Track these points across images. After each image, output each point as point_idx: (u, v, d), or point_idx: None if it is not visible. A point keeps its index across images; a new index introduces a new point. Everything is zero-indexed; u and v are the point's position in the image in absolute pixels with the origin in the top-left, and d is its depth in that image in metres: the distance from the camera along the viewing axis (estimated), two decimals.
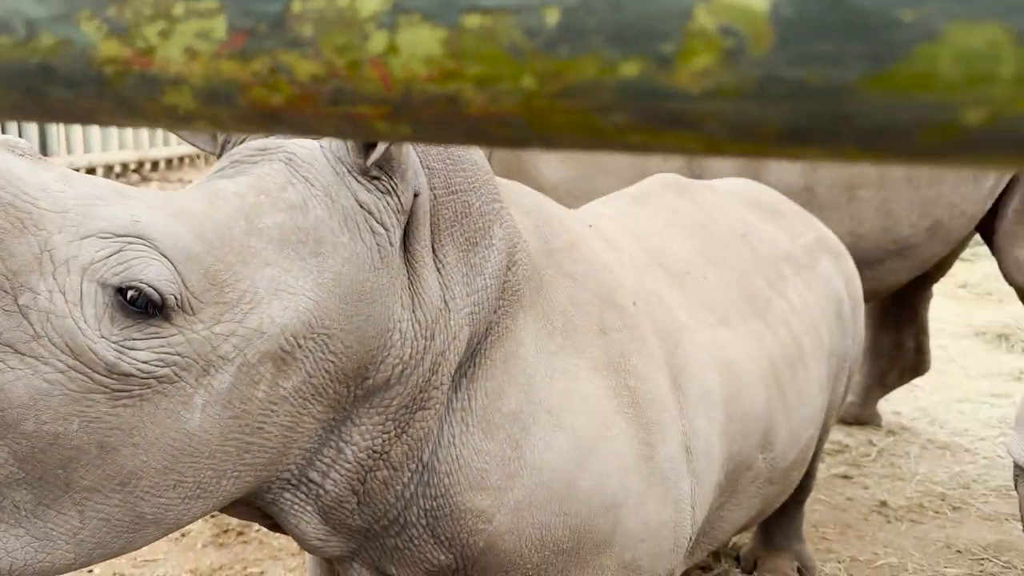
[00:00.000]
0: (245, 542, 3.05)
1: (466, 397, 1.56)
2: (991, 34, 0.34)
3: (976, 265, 7.82)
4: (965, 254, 8.30)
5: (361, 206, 1.39)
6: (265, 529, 2.39)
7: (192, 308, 1.16)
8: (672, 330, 1.90)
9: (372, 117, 0.45)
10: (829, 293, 2.42)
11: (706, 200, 2.39)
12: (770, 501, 2.22)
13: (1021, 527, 2.59)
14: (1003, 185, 3.46)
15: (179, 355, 1.14)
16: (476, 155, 1.62)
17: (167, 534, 1.29)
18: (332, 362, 1.35)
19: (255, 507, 1.48)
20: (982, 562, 3.11)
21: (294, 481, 1.43)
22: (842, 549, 3.16)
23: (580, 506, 1.59)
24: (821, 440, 2.69)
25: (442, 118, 0.44)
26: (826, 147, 0.39)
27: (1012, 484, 3.51)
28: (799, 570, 2.90)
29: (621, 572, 1.68)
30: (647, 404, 1.74)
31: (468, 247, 1.55)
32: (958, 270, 7.82)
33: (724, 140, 0.40)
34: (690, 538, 1.83)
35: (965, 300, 6.90)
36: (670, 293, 2.00)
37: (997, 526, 3.35)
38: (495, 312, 1.60)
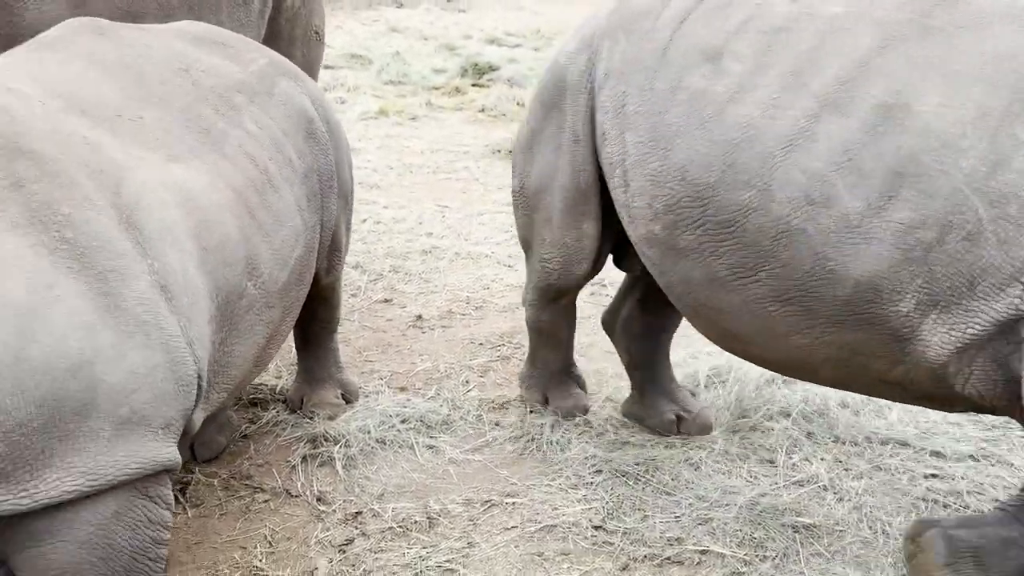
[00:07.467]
0: None
1: None
2: None
3: (491, 90, 8.64)
4: (482, 80, 9.13)
5: None
6: None
7: None
8: (110, 171, 1.81)
9: None
10: (294, 114, 2.45)
11: (135, 39, 2.26)
12: (277, 326, 2.27)
13: (525, 316, 3.00)
14: (269, 8, 3.56)
15: None
16: None
17: None
18: None
19: None
20: (499, 348, 3.61)
21: None
22: (383, 366, 3.42)
23: (40, 377, 1.50)
24: (338, 263, 2.78)
25: None
26: None
27: (523, 281, 4.00)
28: (344, 397, 3.07)
29: (123, 428, 1.63)
30: (95, 252, 1.66)
31: None
32: (476, 95, 8.58)
33: None
34: (198, 375, 1.82)
35: (484, 122, 7.62)
36: (99, 136, 1.88)
37: (511, 315, 3.89)
38: None
